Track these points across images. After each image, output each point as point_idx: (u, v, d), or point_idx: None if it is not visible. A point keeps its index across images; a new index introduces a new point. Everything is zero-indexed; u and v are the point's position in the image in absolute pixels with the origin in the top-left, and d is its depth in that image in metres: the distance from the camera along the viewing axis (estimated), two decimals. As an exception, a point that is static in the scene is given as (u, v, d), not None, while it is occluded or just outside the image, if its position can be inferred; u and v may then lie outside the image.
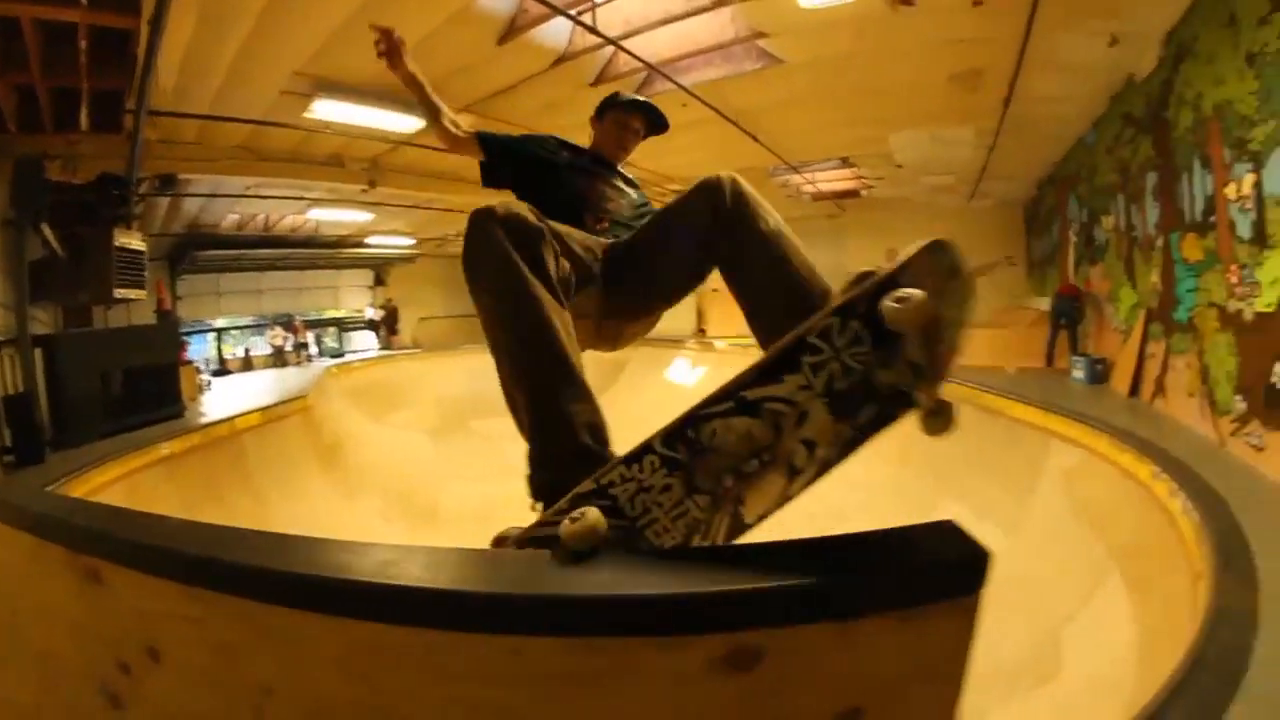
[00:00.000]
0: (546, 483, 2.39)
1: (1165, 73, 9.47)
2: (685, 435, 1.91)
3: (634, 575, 1.69)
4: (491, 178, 4.05)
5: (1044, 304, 15.37)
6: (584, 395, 2.50)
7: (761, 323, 2.91)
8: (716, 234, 2.92)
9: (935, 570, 1.61)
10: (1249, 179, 7.16)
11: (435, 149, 13.16)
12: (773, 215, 2.98)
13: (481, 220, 2.47)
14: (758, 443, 1.92)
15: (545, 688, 1.59)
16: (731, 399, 1.89)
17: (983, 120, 12.79)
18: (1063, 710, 5.84)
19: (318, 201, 18.20)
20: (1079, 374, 12.26)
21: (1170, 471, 6.58)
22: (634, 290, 3.32)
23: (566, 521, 1.82)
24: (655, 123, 4.25)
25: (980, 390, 11.80)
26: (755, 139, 13.33)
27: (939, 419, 2.19)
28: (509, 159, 3.97)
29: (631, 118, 4.18)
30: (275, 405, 14.38)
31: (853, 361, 1.89)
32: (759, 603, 1.54)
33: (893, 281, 1.90)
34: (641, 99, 4.23)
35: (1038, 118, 12.75)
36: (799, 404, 1.91)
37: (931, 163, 15.88)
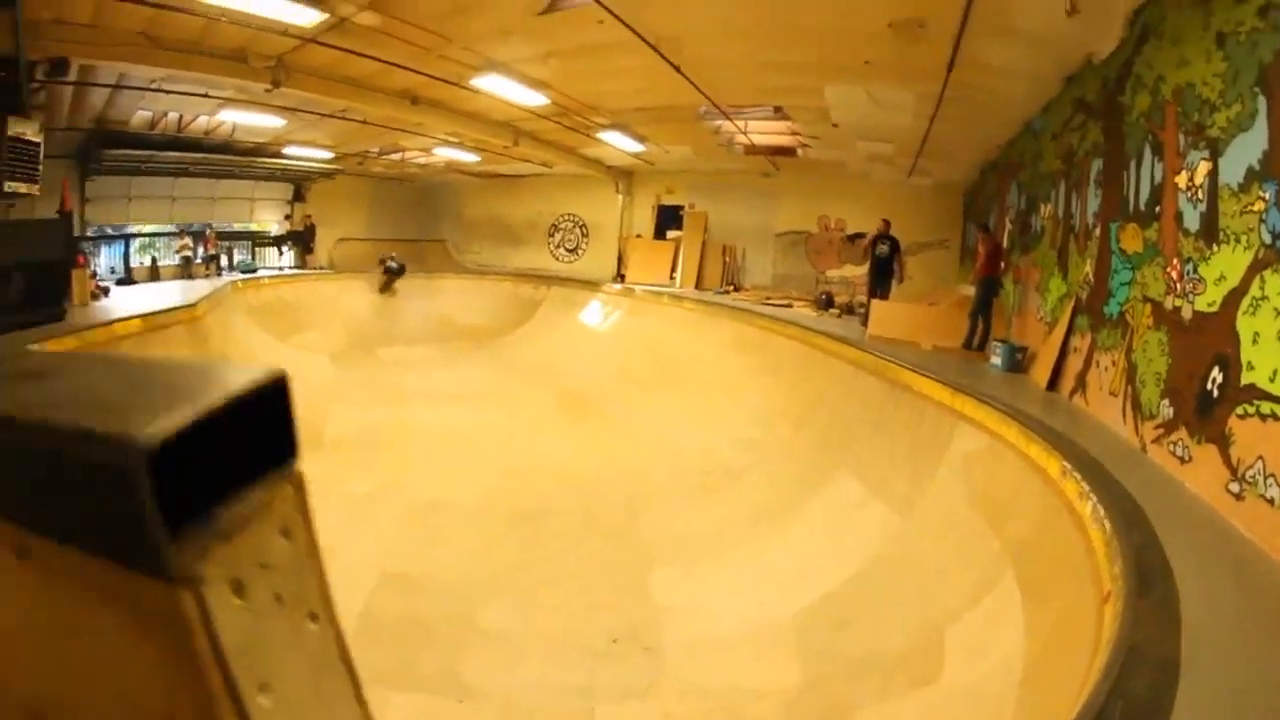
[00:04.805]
0: None
1: (1126, 54, 8.85)
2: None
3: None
4: None
5: (972, 290, 14.90)
6: None
7: None
8: None
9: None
10: (1203, 168, 6.56)
11: (348, 50, 12.47)
12: None
13: None
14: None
15: None
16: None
17: (925, 84, 12.08)
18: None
19: (229, 101, 17.12)
20: (997, 360, 11.69)
21: (1083, 470, 5.96)
22: None
23: None
24: None
25: (889, 361, 11.37)
26: (678, 70, 12.51)
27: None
28: None
29: None
30: (158, 313, 13.77)
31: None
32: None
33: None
34: None
35: (984, 90, 12.09)
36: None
37: (869, 126, 15.26)
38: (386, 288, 24.74)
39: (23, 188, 11.98)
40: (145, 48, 12.08)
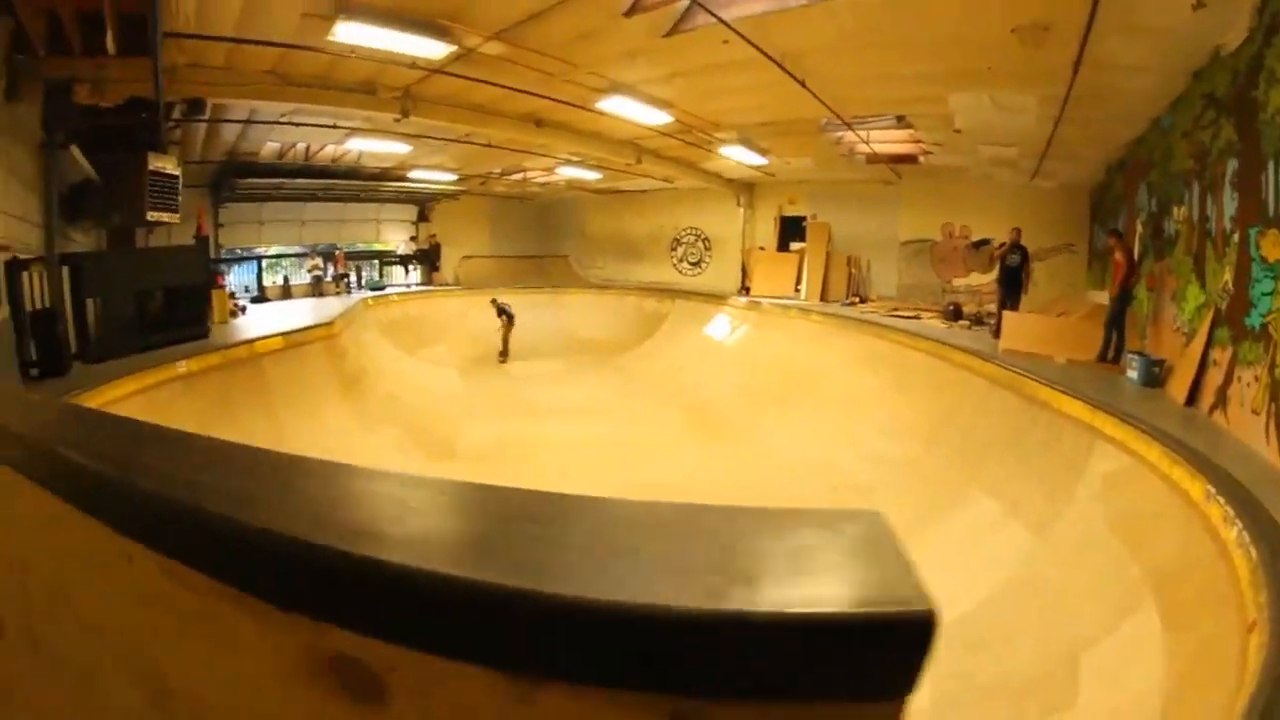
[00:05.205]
0: None
1: (1255, 47, 8.44)
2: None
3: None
4: None
5: (1102, 298, 14.42)
6: None
7: None
8: None
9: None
10: (1349, 171, 6.27)
11: (471, 79, 12.84)
12: None
13: None
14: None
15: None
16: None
17: (1049, 86, 11.85)
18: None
19: (355, 131, 17.86)
20: (1133, 374, 11.25)
21: (1228, 495, 5.76)
22: None
23: None
24: None
25: (1025, 377, 11.10)
26: (803, 84, 12.52)
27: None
28: None
29: None
30: (297, 331, 14.47)
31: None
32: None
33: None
34: None
35: (1110, 89, 11.76)
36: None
37: (993, 131, 14.94)
38: (505, 355, 23.73)
39: (165, 216, 12.86)
40: (275, 85, 12.72)
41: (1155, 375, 10.97)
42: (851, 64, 12.07)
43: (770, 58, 11.37)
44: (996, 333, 15.11)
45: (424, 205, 29.70)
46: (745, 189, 25.97)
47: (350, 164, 22.99)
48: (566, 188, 28.79)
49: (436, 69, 12.30)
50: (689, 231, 28.90)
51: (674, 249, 29.40)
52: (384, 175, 24.90)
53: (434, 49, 11.08)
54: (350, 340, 16.91)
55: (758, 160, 20.32)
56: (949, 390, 13.07)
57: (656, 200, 28.96)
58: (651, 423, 16.72)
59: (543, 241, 32.79)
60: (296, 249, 26.66)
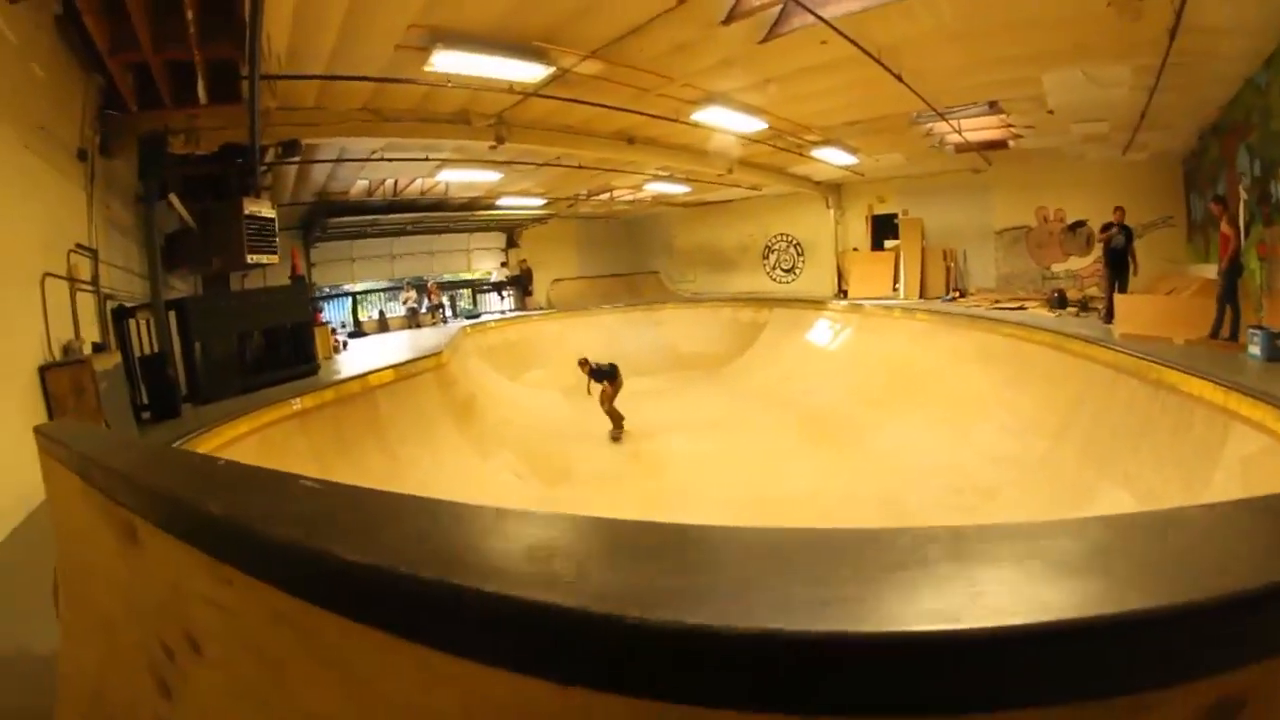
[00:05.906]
0: None
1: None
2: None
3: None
4: None
5: (1206, 271, 13.91)
6: None
7: None
8: None
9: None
10: None
11: (565, 99, 12.98)
12: None
13: None
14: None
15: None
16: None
17: (1144, 56, 11.51)
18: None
19: (446, 162, 18.12)
20: (1255, 350, 10.60)
21: None
22: None
23: None
24: None
25: (1150, 361, 10.66)
26: (899, 79, 12.39)
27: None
28: None
29: None
30: (408, 363, 14.67)
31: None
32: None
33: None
34: None
35: (1204, 54, 11.39)
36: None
37: (1085, 107, 14.59)
38: (619, 430, 17.68)
39: (264, 258, 13.35)
40: (369, 121, 12.96)
41: (1279, 350, 10.56)
42: (948, 53, 11.94)
43: (869, 54, 11.33)
44: (1108, 317, 14.67)
45: (512, 231, 30.15)
46: (833, 190, 25.86)
47: (438, 196, 23.44)
48: (653, 203, 28.97)
49: (531, 92, 12.41)
50: (780, 238, 28.84)
51: (766, 257, 29.37)
52: (472, 205, 25.34)
53: (531, 71, 11.20)
54: (458, 369, 17.17)
55: (847, 160, 20.25)
56: (1069, 381, 12.72)
57: (744, 209, 28.94)
58: (764, 433, 16.63)
59: (631, 259, 33.10)
60: (386, 283, 27.37)
